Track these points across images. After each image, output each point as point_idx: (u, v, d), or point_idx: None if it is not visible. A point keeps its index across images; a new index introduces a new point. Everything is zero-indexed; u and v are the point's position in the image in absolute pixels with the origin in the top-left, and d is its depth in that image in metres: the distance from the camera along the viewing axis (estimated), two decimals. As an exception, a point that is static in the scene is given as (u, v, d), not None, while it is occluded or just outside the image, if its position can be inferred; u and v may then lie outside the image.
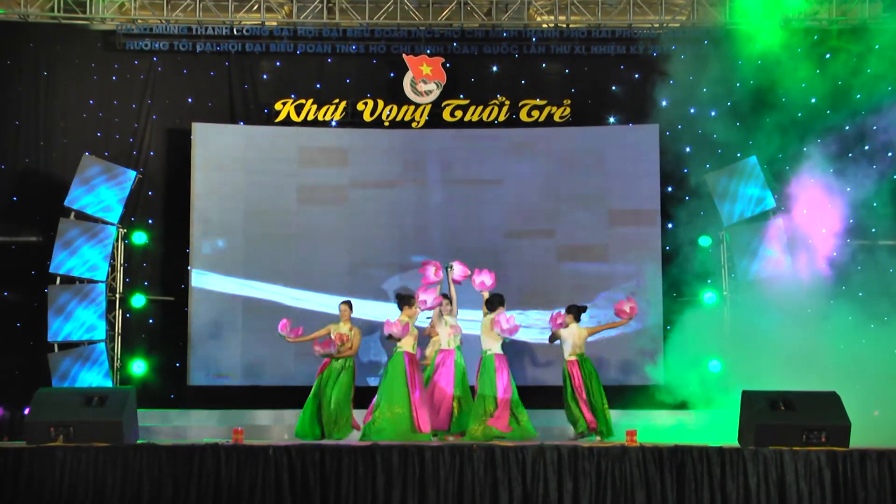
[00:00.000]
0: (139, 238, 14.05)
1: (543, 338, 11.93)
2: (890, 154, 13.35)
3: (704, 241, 13.81)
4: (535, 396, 12.04)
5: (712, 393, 12.61)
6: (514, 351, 12.91)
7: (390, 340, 10.87)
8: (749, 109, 13.49)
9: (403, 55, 14.40)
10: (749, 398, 9.09)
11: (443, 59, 14.40)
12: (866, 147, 13.39)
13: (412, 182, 14.36)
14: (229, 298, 14.00)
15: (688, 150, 14.04)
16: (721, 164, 13.60)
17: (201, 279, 13.99)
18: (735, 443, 9.16)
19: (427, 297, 10.83)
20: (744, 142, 13.47)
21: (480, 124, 14.46)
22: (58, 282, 13.28)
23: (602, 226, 14.15)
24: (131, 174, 13.69)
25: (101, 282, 13.47)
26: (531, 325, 13.45)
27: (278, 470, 8.48)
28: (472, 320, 11.80)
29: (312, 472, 8.48)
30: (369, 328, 13.37)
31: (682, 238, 13.73)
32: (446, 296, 11.17)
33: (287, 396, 13.28)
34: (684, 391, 12.84)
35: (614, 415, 11.59)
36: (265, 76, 14.58)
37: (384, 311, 12.98)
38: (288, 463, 8.50)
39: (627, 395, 12.98)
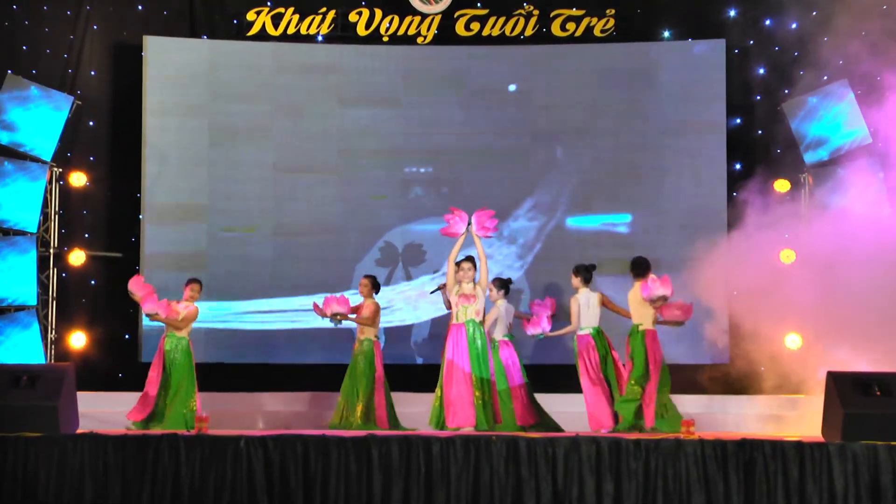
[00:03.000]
0: (77, 179, 14.05)
1: None
2: None
3: (781, 185, 13.75)
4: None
5: (789, 374, 12.62)
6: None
7: None
8: (840, 20, 13.33)
9: (407, -49, 14.37)
10: (835, 381, 9.06)
11: (456, -43, 14.36)
12: None
13: (417, 110, 14.35)
14: (191, 254, 14.05)
15: (761, 71, 13.97)
16: (803, 89, 13.49)
17: (156, 231, 14.02)
18: (818, 435, 9.15)
19: None
20: (832, 61, 13.34)
21: (502, 39, 14.40)
22: (-24, 233, 13.34)
23: (656, 163, 14.21)
24: (67, 100, 13.65)
25: (31, 234, 13.47)
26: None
27: (251, 466, 8.50)
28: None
29: (294, 469, 8.50)
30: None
31: (754, 181, 13.67)
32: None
33: (266, 376, 13.34)
34: (754, 372, 12.84)
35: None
36: (234, -23, 14.55)
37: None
38: (264, 457, 8.51)
39: (684, 376, 12.98)
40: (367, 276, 12.18)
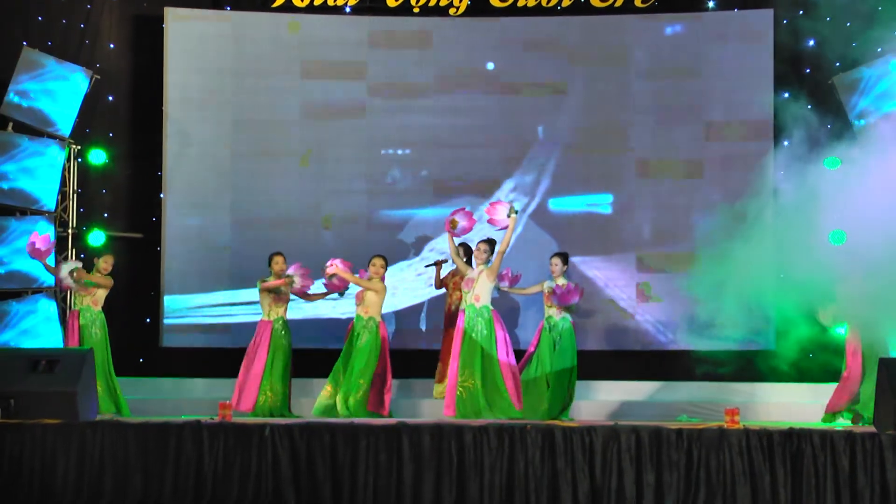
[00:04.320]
0: (97, 157, 14.10)
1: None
2: None
3: (831, 162, 13.64)
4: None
5: (839, 361, 12.54)
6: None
7: None
8: (898, -14, 13.28)
9: (438, -83, 14.34)
10: (888, 368, 9.01)
11: (490, -76, 14.31)
12: None
13: (448, 88, 14.36)
14: (214, 233, 14.11)
15: (811, 43, 13.86)
16: (856, 61, 13.39)
17: (178, 210, 14.10)
18: (870, 425, 9.10)
19: None
20: (888, 32, 13.22)
21: (538, 10, 14.35)
22: (-8, 212, 13.43)
23: (695, 142, 14.10)
24: (85, 74, 13.69)
25: (49, 213, 13.54)
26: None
27: (277, 455, 8.54)
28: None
29: (321, 459, 8.54)
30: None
31: (802, 159, 13.56)
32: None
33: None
34: (802, 359, 12.78)
35: (713, 387, 11.69)
36: (258, -55, 14.56)
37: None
38: (290, 447, 8.56)
39: (729, 363, 12.96)
40: (280, 254, 11.97)
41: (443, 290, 12.65)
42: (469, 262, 11.56)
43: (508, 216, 10.95)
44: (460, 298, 12.09)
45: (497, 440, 8.52)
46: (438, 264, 12.57)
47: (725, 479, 8.41)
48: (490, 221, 11.14)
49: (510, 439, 8.52)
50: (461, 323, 10.94)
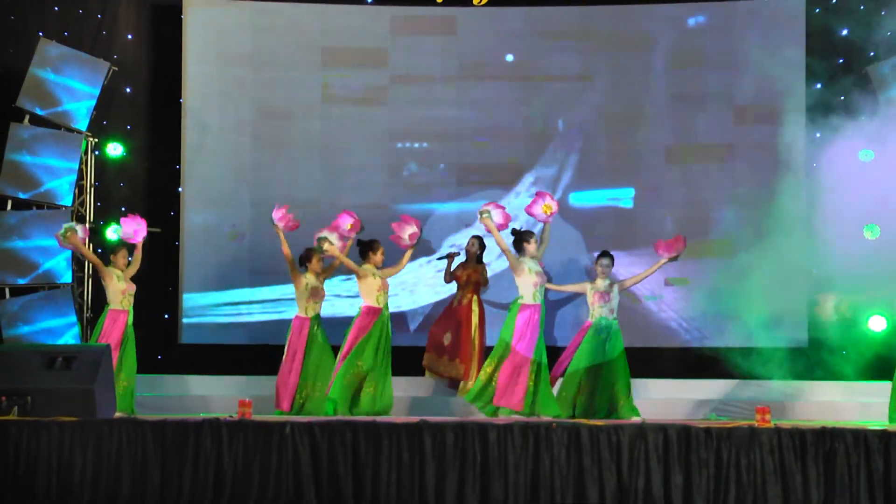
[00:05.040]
0: (114, 150, 14.13)
1: None
2: None
3: (866, 155, 13.57)
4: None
5: (873, 358, 12.50)
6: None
7: None
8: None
9: None
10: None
11: (513, -90, 14.30)
12: None
13: (470, 78, 14.34)
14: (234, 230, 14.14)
15: (845, 32, 13.78)
16: (891, 51, 13.31)
17: (196, 205, 14.11)
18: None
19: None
20: (925, 19, 13.20)
21: (562, 0, 14.27)
22: (8, 206, 13.43)
23: (722, 135, 14.08)
24: (103, 65, 13.71)
25: (66, 207, 13.57)
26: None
27: (297, 453, 8.54)
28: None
29: (342, 457, 8.53)
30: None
31: (835, 151, 13.50)
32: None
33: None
34: (835, 356, 12.73)
35: (744, 385, 11.67)
36: (278, -65, 14.55)
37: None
38: (310, 444, 8.56)
39: (761, 360, 12.90)
40: (315, 250, 11.79)
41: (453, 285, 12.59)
42: (480, 256, 11.66)
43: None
44: (473, 291, 12.10)
45: (521, 438, 8.51)
46: (450, 257, 12.42)
47: (756, 478, 8.38)
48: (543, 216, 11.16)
49: (535, 437, 8.50)
50: (537, 318, 10.86)
